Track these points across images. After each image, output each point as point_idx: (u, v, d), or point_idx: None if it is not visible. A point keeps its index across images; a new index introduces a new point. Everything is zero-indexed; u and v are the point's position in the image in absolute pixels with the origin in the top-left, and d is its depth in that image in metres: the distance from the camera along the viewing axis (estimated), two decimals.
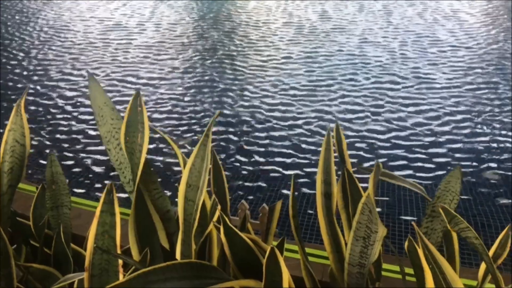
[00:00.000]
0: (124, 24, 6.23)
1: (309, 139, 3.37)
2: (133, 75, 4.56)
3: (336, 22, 6.25)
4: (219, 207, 1.01)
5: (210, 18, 6.60)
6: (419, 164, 3.04)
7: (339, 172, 1.27)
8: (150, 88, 4.28)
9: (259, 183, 2.88)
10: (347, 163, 1.21)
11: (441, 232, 1.20)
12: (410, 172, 2.95)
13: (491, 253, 1.24)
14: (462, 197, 2.69)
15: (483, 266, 1.25)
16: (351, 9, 6.85)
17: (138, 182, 0.96)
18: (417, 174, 2.92)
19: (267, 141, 3.36)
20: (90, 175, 2.96)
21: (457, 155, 3.14)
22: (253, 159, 3.14)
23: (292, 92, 4.11)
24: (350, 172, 1.14)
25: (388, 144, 3.28)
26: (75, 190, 2.74)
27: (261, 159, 3.14)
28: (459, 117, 3.64)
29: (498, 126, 3.50)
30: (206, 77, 4.48)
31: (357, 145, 3.27)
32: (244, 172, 3.00)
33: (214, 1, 7.56)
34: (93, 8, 7.06)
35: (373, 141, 3.32)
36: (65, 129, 3.56)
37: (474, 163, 3.04)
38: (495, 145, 3.25)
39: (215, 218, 1.02)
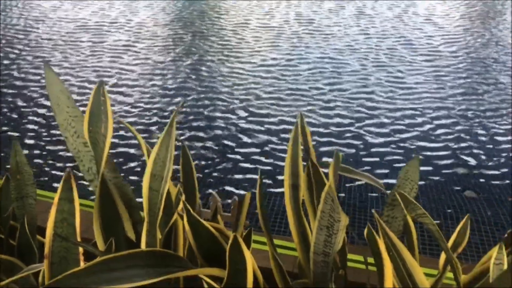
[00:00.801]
0: (92, 25, 6.13)
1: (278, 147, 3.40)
2: (101, 77, 4.46)
3: (311, 23, 6.29)
4: (183, 197, 1.02)
5: (183, 19, 6.56)
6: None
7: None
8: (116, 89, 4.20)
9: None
10: (311, 155, 1.23)
11: (401, 221, 1.24)
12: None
13: (451, 241, 1.28)
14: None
15: (443, 255, 1.29)
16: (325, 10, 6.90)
17: (102, 172, 0.97)
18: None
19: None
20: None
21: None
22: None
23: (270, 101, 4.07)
24: (315, 163, 1.17)
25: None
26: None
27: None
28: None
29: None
30: (178, 82, 4.40)
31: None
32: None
33: (188, 0, 7.52)
34: (58, 7, 6.92)
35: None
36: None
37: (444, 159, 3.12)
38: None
39: (179, 208, 1.03)
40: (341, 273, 1.20)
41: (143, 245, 1.02)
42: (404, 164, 1.41)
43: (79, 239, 0.85)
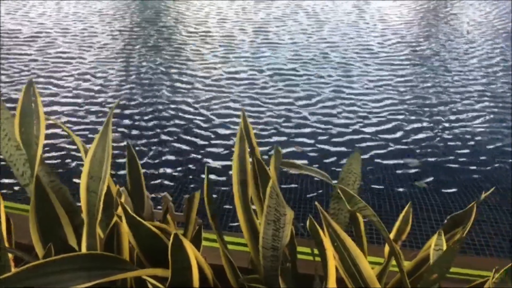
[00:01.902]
0: (46, 24, 5.92)
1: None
2: (53, 77, 4.32)
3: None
4: (123, 197, 1.00)
5: (143, 20, 6.44)
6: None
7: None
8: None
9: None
10: (256, 151, 1.24)
11: (347, 213, 1.27)
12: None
13: (395, 228, 1.32)
14: None
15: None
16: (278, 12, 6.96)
17: (36, 174, 0.93)
18: None
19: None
20: None
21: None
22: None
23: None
24: (259, 159, 1.17)
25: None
26: None
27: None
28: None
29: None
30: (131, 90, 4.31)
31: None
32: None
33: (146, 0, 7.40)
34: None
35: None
36: None
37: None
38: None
39: (119, 210, 1.01)
40: (288, 266, 1.21)
41: (83, 249, 0.99)
42: None
43: (8, 245, 0.81)
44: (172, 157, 3.09)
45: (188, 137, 3.35)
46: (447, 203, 2.62)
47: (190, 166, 2.98)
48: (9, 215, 1.08)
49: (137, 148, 3.18)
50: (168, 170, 2.94)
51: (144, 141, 3.30)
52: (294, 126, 3.54)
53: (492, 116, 3.75)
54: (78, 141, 1.10)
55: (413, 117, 3.69)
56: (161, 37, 5.69)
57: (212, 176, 2.85)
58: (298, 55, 5.12)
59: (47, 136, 1.07)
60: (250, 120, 3.54)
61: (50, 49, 5.12)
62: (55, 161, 2.99)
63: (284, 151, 3.15)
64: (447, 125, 3.58)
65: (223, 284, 1.30)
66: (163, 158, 3.08)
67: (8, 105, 1.13)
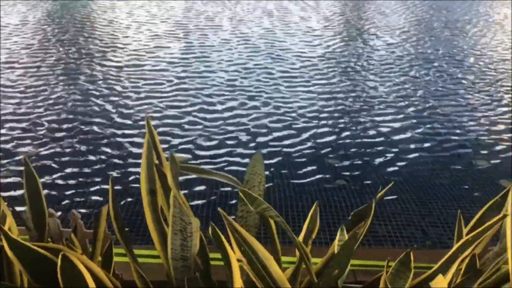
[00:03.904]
0: None
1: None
2: None
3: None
4: (8, 219, 0.93)
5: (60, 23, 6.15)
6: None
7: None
8: None
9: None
10: (162, 159, 1.22)
11: (256, 214, 1.28)
12: None
13: (304, 227, 1.35)
14: None
15: (300, 238, 1.36)
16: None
17: None
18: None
19: None
20: None
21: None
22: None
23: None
24: (160, 168, 1.15)
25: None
26: None
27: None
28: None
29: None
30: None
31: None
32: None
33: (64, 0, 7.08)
34: None
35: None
36: None
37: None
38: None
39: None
40: (196, 276, 1.19)
41: None
42: None
43: None
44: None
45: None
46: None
47: None
48: None
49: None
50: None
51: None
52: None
53: None
54: None
55: None
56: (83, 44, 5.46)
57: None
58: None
59: None
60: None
61: None
62: None
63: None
64: None
65: None
66: None
67: None
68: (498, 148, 3.40)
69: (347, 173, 3.00)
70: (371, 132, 3.58)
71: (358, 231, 1.16)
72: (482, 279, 1.10)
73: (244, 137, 3.46)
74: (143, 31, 6.17)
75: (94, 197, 2.70)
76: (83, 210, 2.53)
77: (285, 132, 3.55)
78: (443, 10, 8.06)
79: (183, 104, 4.01)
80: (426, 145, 3.42)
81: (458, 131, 3.66)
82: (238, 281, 1.03)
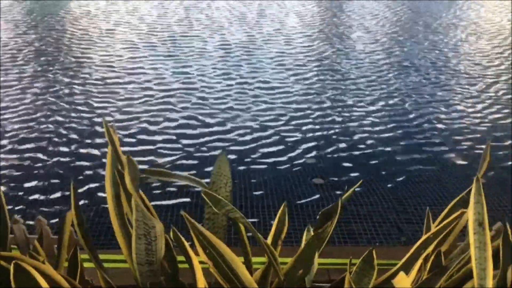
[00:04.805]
0: None
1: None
2: None
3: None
4: None
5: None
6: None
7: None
8: None
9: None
10: (123, 162, 1.19)
11: (224, 216, 1.26)
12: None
13: (273, 229, 1.34)
14: None
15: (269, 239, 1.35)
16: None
17: None
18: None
19: None
20: None
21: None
22: None
23: None
24: (120, 171, 1.13)
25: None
26: None
27: None
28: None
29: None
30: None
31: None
32: None
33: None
34: None
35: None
36: None
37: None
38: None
39: None
40: (161, 280, 1.17)
41: None
42: None
43: None
44: None
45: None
46: None
47: None
48: None
49: None
50: None
51: None
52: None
53: None
54: None
55: None
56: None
57: None
58: None
59: None
60: None
61: None
62: None
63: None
64: None
65: None
66: None
67: None
68: None
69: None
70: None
71: (326, 229, 1.15)
72: (447, 276, 1.10)
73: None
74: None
75: None
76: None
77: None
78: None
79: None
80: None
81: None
82: (201, 283, 1.02)
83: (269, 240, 1.34)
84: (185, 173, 1.24)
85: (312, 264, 1.08)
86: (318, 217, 1.31)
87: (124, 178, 1.15)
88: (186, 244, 1.02)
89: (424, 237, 1.00)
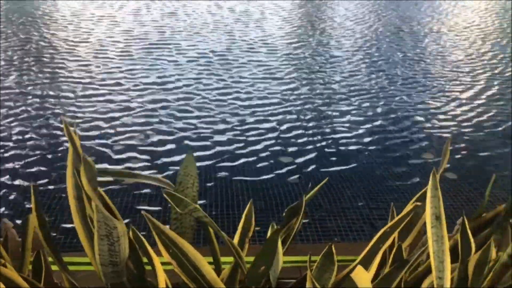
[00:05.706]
0: None
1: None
2: None
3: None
4: None
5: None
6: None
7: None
8: None
9: None
10: (83, 163, 1.18)
11: (191, 216, 1.26)
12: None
13: (239, 227, 1.35)
14: None
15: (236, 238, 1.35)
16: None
17: None
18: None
19: None
20: None
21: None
22: None
23: None
24: (78, 171, 1.11)
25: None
26: None
27: None
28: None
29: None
30: None
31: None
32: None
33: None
34: None
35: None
36: None
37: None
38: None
39: None
40: (123, 281, 1.16)
41: None
42: None
43: None
44: None
45: None
46: None
47: None
48: None
49: None
50: None
51: None
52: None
53: None
54: None
55: None
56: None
57: None
58: None
59: None
60: None
61: None
62: None
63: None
64: None
65: None
66: None
67: None
68: None
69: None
70: None
71: (290, 226, 1.16)
72: (408, 269, 1.12)
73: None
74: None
75: None
76: None
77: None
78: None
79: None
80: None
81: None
82: (162, 283, 1.01)
83: (236, 239, 1.34)
84: (149, 174, 1.23)
85: (274, 260, 1.08)
86: (284, 213, 1.32)
87: (77, 176, 1.14)
88: (147, 243, 1.01)
89: (381, 231, 1.01)
